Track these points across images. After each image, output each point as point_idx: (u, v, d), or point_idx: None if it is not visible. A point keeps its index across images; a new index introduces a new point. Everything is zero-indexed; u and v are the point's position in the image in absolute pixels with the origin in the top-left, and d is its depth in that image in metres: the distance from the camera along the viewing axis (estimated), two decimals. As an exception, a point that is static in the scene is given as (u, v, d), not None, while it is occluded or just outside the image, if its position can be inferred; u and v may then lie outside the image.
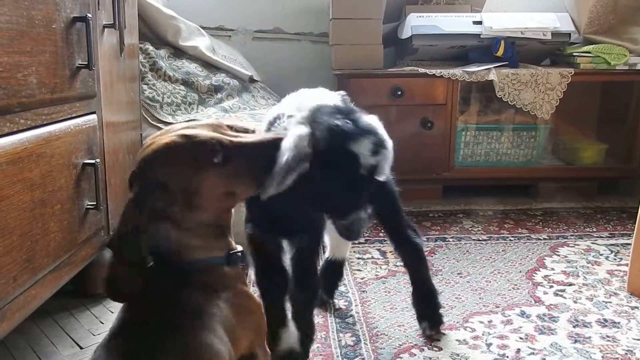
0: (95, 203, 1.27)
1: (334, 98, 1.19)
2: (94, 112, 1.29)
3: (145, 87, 2.02)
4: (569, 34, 2.53)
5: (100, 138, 1.34)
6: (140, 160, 0.82)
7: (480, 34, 2.48)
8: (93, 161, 1.24)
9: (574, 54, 2.48)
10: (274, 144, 0.87)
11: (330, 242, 1.54)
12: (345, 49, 2.47)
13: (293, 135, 0.91)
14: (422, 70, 2.40)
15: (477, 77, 2.38)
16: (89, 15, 1.17)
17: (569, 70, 2.42)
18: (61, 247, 1.14)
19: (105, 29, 1.35)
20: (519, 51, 2.53)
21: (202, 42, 2.30)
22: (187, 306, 0.82)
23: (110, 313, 1.52)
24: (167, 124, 1.97)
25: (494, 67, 2.41)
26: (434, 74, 2.38)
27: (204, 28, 2.57)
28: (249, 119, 2.12)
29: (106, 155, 1.40)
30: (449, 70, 2.39)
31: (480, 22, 2.49)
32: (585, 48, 2.46)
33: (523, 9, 2.74)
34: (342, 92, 1.26)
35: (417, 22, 2.49)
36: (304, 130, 0.94)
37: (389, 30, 2.70)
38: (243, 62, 2.51)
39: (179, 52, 2.25)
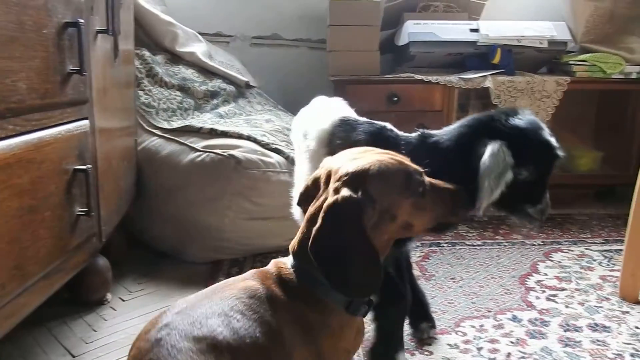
0: (86, 209, 1.28)
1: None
2: (86, 118, 1.30)
3: (141, 93, 2.04)
4: (566, 43, 2.54)
5: (93, 144, 1.35)
6: (357, 172, 0.84)
7: (477, 42, 2.49)
8: (84, 167, 1.25)
9: (571, 62, 2.49)
10: (457, 194, 0.94)
11: None
12: (343, 56, 2.48)
13: (489, 154, 1.04)
14: (418, 76, 2.41)
15: (473, 84, 2.39)
16: (81, 20, 1.18)
17: (565, 79, 2.42)
18: (51, 254, 1.14)
19: (99, 35, 1.37)
20: (515, 59, 2.54)
21: (199, 48, 2.32)
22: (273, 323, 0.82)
23: (103, 321, 1.52)
24: (162, 130, 1.99)
25: (490, 74, 2.42)
26: (430, 81, 2.39)
27: (202, 34, 2.59)
28: (245, 125, 2.14)
29: (99, 162, 1.40)
30: (445, 77, 2.40)
31: (477, 30, 2.50)
32: (582, 57, 2.47)
33: (520, 17, 2.75)
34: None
35: (415, 29, 2.50)
36: (496, 146, 1.05)
37: (387, 37, 2.72)
38: (240, 68, 2.53)
39: (175, 58, 2.27)
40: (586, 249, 2.04)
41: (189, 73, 2.25)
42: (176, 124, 2.03)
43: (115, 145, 1.60)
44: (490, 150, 1.05)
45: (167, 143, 1.95)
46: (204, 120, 2.09)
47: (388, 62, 2.80)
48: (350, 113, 1.37)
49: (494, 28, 2.49)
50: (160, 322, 0.80)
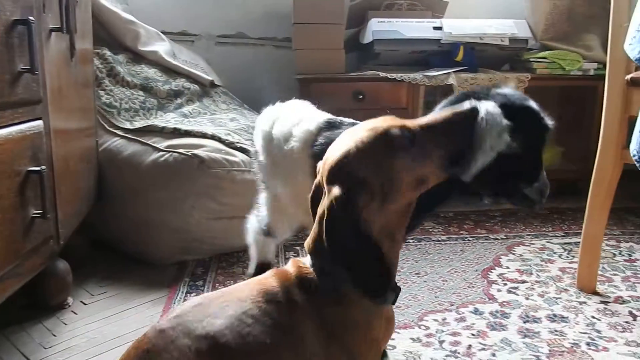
0: (41, 211, 1.25)
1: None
2: (39, 118, 1.27)
3: (101, 92, 2.01)
4: (526, 40, 2.59)
5: (48, 145, 1.32)
6: (334, 165, 0.80)
7: (440, 40, 2.52)
8: (39, 168, 1.22)
9: (531, 59, 2.54)
10: (466, 116, 0.82)
11: (257, 246, 1.50)
12: (308, 54, 2.48)
13: (486, 111, 0.88)
14: (383, 74, 2.43)
15: (437, 81, 2.42)
16: (31, 18, 1.16)
17: (526, 75, 2.47)
18: (3, 257, 1.11)
19: (53, 33, 1.34)
20: (479, 56, 2.58)
21: (161, 47, 2.30)
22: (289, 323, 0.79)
23: (64, 325, 1.50)
24: (124, 130, 1.97)
25: (454, 71, 2.45)
26: (395, 78, 2.41)
27: (166, 33, 2.57)
28: (209, 124, 2.12)
29: (55, 163, 1.37)
30: (410, 74, 2.42)
31: (440, 28, 2.54)
32: (542, 54, 2.53)
33: (483, 15, 2.79)
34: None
35: (378, 28, 2.52)
36: (490, 104, 0.91)
37: (352, 35, 2.73)
38: (204, 67, 2.51)
39: (138, 57, 2.24)
40: (547, 242, 2.09)
41: (151, 72, 2.22)
42: (139, 124, 2.01)
43: (74, 146, 1.57)
44: (485, 108, 0.92)
45: (129, 143, 1.92)
46: (167, 119, 2.07)
47: (353, 60, 2.82)
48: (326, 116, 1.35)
49: (457, 26, 2.53)
50: (174, 312, 0.78)
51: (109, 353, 1.36)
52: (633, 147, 1.21)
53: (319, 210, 0.81)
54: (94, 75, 1.91)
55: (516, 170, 1.05)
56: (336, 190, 0.77)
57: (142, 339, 0.77)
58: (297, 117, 1.31)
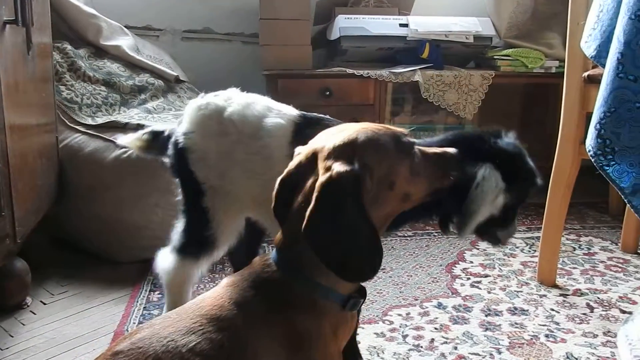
0: (-4, 208, 1.22)
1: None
2: (-7, 114, 1.24)
3: (62, 87, 1.96)
4: (491, 38, 2.62)
5: (3, 141, 1.28)
6: (344, 144, 0.77)
7: (406, 37, 2.54)
8: (-8, 164, 1.19)
9: (495, 57, 2.58)
10: (445, 156, 0.88)
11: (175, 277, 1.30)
12: (274, 50, 2.47)
13: (483, 178, 1.01)
14: (349, 71, 2.43)
15: (403, 78, 2.44)
16: (-18, 10, 1.12)
17: (490, 73, 2.51)
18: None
19: (7, 26, 1.30)
20: (445, 54, 2.60)
21: (124, 42, 2.26)
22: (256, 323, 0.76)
23: (22, 326, 1.46)
24: (86, 126, 1.92)
25: (420, 68, 2.47)
26: (362, 75, 2.42)
27: (130, 28, 2.52)
28: (174, 120, 2.09)
29: (11, 160, 1.33)
30: (376, 71, 2.44)
31: (406, 25, 2.55)
32: (505, 52, 2.57)
33: (448, 12, 2.82)
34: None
35: (345, 24, 2.52)
36: (487, 170, 1.03)
37: (319, 32, 2.73)
38: (169, 62, 2.48)
39: (100, 52, 2.20)
40: (510, 236, 2.12)
41: (114, 67, 2.18)
42: (101, 119, 1.97)
43: (32, 142, 1.53)
44: (482, 174, 1.02)
45: (91, 139, 1.88)
46: (131, 115, 2.04)
47: (321, 56, 2.82)
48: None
49: (422, 23, 2.55)
50: (130, 336, 0.74)
51: (69, 353, 1.34)
52: (588, 142, 1.24)
53: (299, 197, 0.78)
54: (53, 70, 1.87)
55: (498, 218, 1.11)
56: (342, 166, 0.74)
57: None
58: (261, 106, 1.21)
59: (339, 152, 0.77)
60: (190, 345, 0.71)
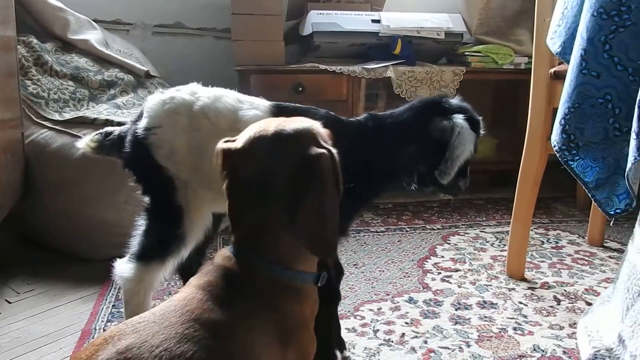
0: (-43, 204, 1.18)
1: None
2: (-46, 108, 1.20)
3: (28, 82, 1.92)
4: (462, 34, 2.65)
5: (-36, 135, 1.25)
6: (304, 130, 0.79)
7: (378, 33, 2.55)
8: (-47, 159, 1.16)
9: (466, 53, 2.61)
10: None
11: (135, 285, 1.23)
12: (247, 45, 2.46)
13: (461, 126, 1.15)
14: (322, 66, 2.43)
15: (375, 74, 2.45)
16: (-59, 2, 1.09)
17: (461, 69, 2.54)
18: None
19: (-32, 19, 1.27)
20: (417, 50, 2.62)
21: (93, 36, 2.21)
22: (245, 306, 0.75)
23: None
24: (53, 121, 1.89)
25: (392, 64, 2.48)
26: (335, 71, 2.42)
27: (99, 22, 2.48)
28: (144, 115, 2.07)
29: (-26, 154, 1.31)
30: (349, 67, 2.44)
31: (378, 21, 2.56)
32: (476, 48, 2.60)
33: (420, 9, 2.84)
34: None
35: (318, 20, 2.52)
36: (461, 119, 1.16)
37: (292, 27, 2.72)
38: (140, 57, 2.44)
39: (67, 46, 2.15)
40: (481, 231, 2.15)
41: (82, 62, 2.14)
42: (68, 115, 1.93)
43: (-5, 138, 1.50)
44: (460, 123, 1.15)
45: (58, 135, 1.84)
46: (100, 111, 2.00)
47: (295, 52, 2.81)
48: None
49: (394, 19, 2.56)
50: (112, 341, 0.70)
51: (34, 352, 1.31)
52: (554, 137, 1.26)
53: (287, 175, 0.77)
54: (18, 64, 1.82)
55: (462, 169, 1.21)
56: (317, 149, 0.77)
57: None
58: (232, 99, 1.20)
59: (309, 138, 0.78)
60: (188, 355, 0.67)
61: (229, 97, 1.22)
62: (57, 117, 1.90)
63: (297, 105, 1.27)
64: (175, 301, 0.76)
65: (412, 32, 2.56)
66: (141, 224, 1.25)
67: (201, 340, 0.69)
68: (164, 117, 1.19)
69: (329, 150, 0.77)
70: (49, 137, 1.84)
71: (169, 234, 1.20)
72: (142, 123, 1.20)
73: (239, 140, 0.81)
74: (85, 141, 1.33)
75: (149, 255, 1.20)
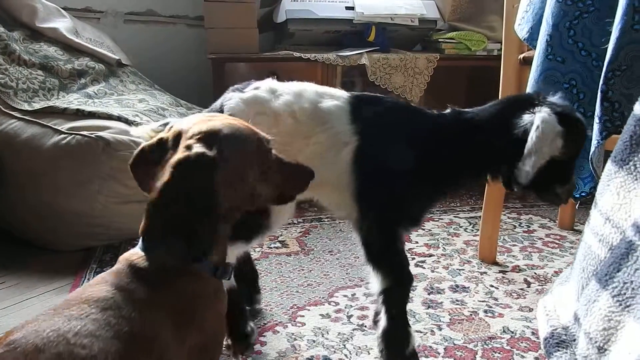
0: None
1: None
2: None
3: (-5, 72, 1.88)
4: (435, 21, 2.66)
5: None
6: (209, 131, 0.82)
7: (352, 20, 2.55)
8: None
9: (440, 40, 2.62)
10: (303, 169, 0.95)
11: None
12: (220, 33, 2.43)
13: (542, 121, 1.05)
14: (296, 54, 2.42)
15: (349, 61, 2.45)
16: None
17: (435, 55, 2.55)
18: None
19: None
20: (391, 37, 2.63)
21: (62, 24, 2.17)
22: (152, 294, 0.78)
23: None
24: (22, 111, 1.85)
25: (366, 51, 2.49)
26: (309, 58, 2.41)
27: (69, 9, 2.43)
28: (116, 105, 2.04)
29: (-63, 145, 1.28)
30: (323, 54, 2.43)
31: (352, 8, 2.56)
32: (449, 35, 2.61)
33: (394, -5, 2.84)
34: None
35: (292, 7, 2.51)
36: (546, 113, 1.06)
37: (266, 15, 2.70)
38: (111, 45, 2.40)
39: (36, 35, 2.11)
40: (455, 216, 2.18)
41: (51, 51, 2.10)
42: (38, 105, 1.90)
43: (-39, 128, 1.47)
44: (541, 117, 1.06)
45: (27, 126, 1.81)
46: (70, 100, 1.97)
47: (270, 40, 2.79)
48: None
49: (368, 6, 2.56)
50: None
51: (5, 346, 1.30)
52: (522, 123, 1.27)
53: (172, 161, 0.81)
54: (-17, 53, 1.79)
55: (556, 172, 1.13)
56: (201, 148, 0.80)
57: None
58: (311, 92, 1.21)
59: (203, 137, 0.82)
60: (75, 330, 0.69)
61: (309, 90, 1.23)
62: (26, 107, 1.87)
63: (376, 95, 1.27)
64: (79, 290, 0.80)
65: (386, 18, 2.56)
66: None
67: (89, 315, 0.71)
68: (249, 117, 1.19)
69: (205, 153, 0.79)
70: (19, 128, 1.81)
71: (257, 224, 1.23)
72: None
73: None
74: (143, 130, 1.28)
75: (236, 236, 1.21)
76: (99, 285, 0.78)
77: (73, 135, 1.76)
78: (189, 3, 2.78)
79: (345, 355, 1.27)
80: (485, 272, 1.69)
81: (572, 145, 1.12)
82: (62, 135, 1.77)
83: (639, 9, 0.96)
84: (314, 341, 1.32)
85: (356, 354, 1.27)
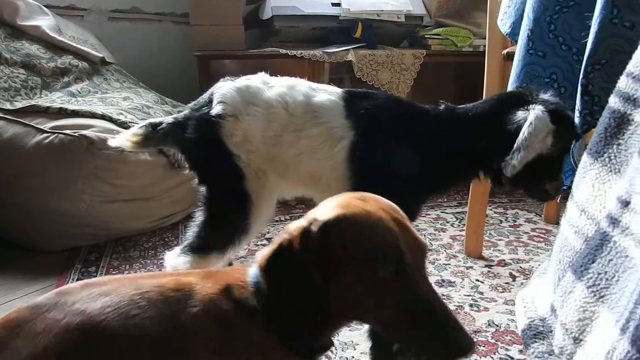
0: None
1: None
2: None
3: (-24, 70, 1.86)
4: (422, 17, 2.66)
5: None
6: (333, 218, 0.71)
7: (339, 16, 2.54)
8: None
9: (426, 36, 2.62)
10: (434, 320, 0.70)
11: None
12: (206, 30, 2.42)
13: (535, 117, 1.06)
14: (283, 51, 2.41)
15: (336, 57, 2.44)
16: None
17: (422, 52, 2.55)
18: None
19: None
20: (378, 33, 2.62)
21: (44, 22, 2.15)
22: None
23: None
24: (4, 110, 1.83)
25: (353, 48, 2.48)
26: (295, 55, 2.40)
27: (52, 7, 2.41)
28: (100, 103, 2.03)
29: None
30: (310, 51, 2.43)
31: (338, 4, 2.55)
32: (436, 31, 2.61)
33: (381, -8, 2.84)
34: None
35: (278, 3, 2.50)
36: (539, 110, 1.07)
37: (252, 11, 2.69)
38: (95, 43, 2.38)
39: (17, 33, 2.09)
40: (442, 212, 2.18)
41: (34, 49, 2.08)
42: (20, 104, 1.88)
43: (-60, 128, 1.45)
44: (535, 114, 1.06)
45: (9, 125, 1.79)
46: (53, 99, 1.95)
47: (256, 37, 2.78)
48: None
49: (354, 2, 2.55)
50: (57, 290, 0.74)
51: (-12, 347, 1.28)
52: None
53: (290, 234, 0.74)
54: (-36, 52, 1.76)
55: (546, 169, 1.14)
56: (310, 227, 0.71)
57: (13, 311, 0.72)
58: (304, 87, 1.21)
59: (325, 223, 0.71)
60: (143, 291, 0.72)
61: (302, 84, 1.23)
62: (8, 106, 1.85)
63: (368, 91, 1.27)
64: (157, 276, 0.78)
65: (372, 15, 2.56)
66: (198, 214, 1.23)
67: (120, 292, 0.72)
68: (239, 105, 1.18)
69: (313, 232, 0.71)
70: (0, 127, 1.79)
71: (233, 225, 1.19)
72: (216, 109, 1.18)
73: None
74: (123, 138, 1.25)
75: (208, 247, 1.19)
76: (190, 276, 0.77)
77: (56, 135, 1.75)
78: (174, 0, 2.77)
79: (331, 351, 1.27)
80: (471, 267, 1.69)
81: (562, 142, 1.12)
82: (45, 135, 1.75)
83: (618, 3, 0.96)
84: (299, 338, 1.32)
85: (342, 350, 1.27)
